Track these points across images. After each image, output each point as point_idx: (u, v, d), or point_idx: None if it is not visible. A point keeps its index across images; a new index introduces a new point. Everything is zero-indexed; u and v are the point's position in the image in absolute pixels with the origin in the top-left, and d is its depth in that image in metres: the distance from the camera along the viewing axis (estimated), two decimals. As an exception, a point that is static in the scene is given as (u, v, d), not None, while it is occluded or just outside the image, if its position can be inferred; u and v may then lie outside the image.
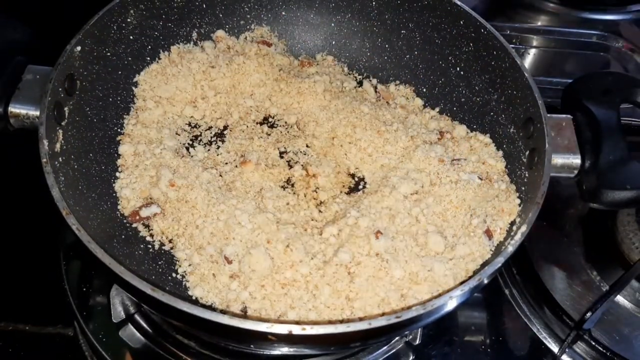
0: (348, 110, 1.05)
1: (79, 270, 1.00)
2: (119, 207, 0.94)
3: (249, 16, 1.15)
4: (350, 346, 0.90)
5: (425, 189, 0.93)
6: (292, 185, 1.00)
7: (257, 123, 1.08)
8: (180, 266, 0.88)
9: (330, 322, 0.77)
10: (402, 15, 1.11)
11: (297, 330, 0.65)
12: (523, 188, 0.90)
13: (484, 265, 0.84)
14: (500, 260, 0.75)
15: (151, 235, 0.92)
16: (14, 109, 0.87)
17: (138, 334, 0.93)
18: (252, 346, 0.88)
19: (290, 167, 1.02)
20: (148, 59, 1.06)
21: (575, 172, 0.90)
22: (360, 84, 1.17)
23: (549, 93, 1.02)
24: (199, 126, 1.06)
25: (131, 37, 1.02)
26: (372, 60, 1.18)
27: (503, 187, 0.91)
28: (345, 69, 1.19)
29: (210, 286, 0.84)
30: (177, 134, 1.03)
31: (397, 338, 0.95)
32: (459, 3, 1.02)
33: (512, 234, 0.84)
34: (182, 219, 0.91)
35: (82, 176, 0.90)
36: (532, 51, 1.46)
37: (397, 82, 1.16)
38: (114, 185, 0.95)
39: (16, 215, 1.09)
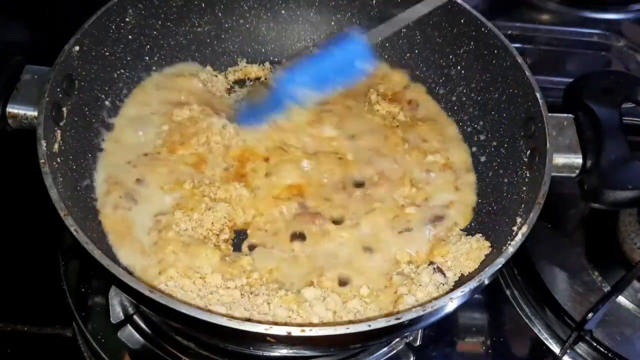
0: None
1: (77, 271, 0.99)
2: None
3: (248, 15, 1.15)
4: (350, 348, 0.90)
5: None
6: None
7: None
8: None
9: (329, 324, 0.77)
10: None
11: (296, 331, 0.64)
12: (524, 188, 0.89)
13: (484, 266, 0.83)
14: (501, 261, 0.74)
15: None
16: (12, 109, 0.86)
17: (137, 335, 0.93)
18: (251, 348, 0.87)
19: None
20: (147, 58, 1.06)
21: (577, 171, 0.89)
22: (360, 83, 1.16)
23: (550, 92, 1.01)
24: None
25: (130, 37, 1.02)
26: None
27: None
28: (346, 68, 1.18)
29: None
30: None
31: (397, 339, 0.94)
32: (459, 2, 1.02)
33: (513, 234, 0.84)
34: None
35: (80, 177, 0.89)
36: (533, 50, 1.45)
37: (398, 81, 1.15)
38: (112, 185, 0.95)
39: (14, 216, 1.08)
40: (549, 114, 0.87)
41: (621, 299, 1.01)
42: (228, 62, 1.15)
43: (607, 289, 1.02)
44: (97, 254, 0.69)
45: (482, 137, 1.03)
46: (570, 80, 0.99)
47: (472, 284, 0.72)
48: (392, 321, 0.66)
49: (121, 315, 0.92)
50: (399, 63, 1.15)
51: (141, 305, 0.79)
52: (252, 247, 0.90)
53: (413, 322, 0.68)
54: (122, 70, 1.02)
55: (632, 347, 0.96)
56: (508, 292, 1.06)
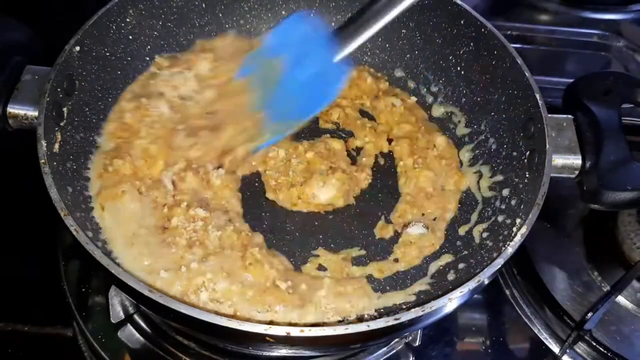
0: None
1: (77, 271, 0.99)
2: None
3: (248, 15, 1.15)
4: (350, 348, 0.90)
5: None
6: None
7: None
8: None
9: (329, 324, 0.77)
10: (402, 15, 1.10)
11: (295, 332, 0.65)
12: (524, 188, 0.89)
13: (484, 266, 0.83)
14: (500, 261, 0.74)
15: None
16: (13, 109, 0.86)
17: (137, 335, 0.93)
18: (250, 348, 0.87)
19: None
20: (147, 58, 1.06)
21: (576, 172, 0.89)
22: (360, 83, 1.16)
23: (550, 93, 1.02)
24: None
25: (130, 37, 1.02)
26: (372, 60, 1.17)
27: None
28: (345, 68, 1.18)
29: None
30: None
31: (397, 339, 0.95)
32: (459, 2, 1.02)
33: (512, 234, 0.84)
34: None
35: (80, 177, 0.89)
36: (533, 51, 1.45)
37: (398, 81, 1.15)
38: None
39: (15, 215, 1.08)
40: (549, 115, 0.87)
41: (620, 299, 1.01)
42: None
43: (606, 288, 1.02)
44: (97, 253, 0.69)
45: (481, 138, 1.03)
46: (570, 80, 0.98)
47: (472, 284, 0.72)
48: (391, 321, 0.66)
49: (121, 315, 0.92)
50: (398, 64, 1.15)
51: (141, 305, 0.79)
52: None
53: (412, 322, 0.68)
54: (122, 71, 1.02)
55: (631, 347, 0.96)
56: (508, 292, 1.06)
